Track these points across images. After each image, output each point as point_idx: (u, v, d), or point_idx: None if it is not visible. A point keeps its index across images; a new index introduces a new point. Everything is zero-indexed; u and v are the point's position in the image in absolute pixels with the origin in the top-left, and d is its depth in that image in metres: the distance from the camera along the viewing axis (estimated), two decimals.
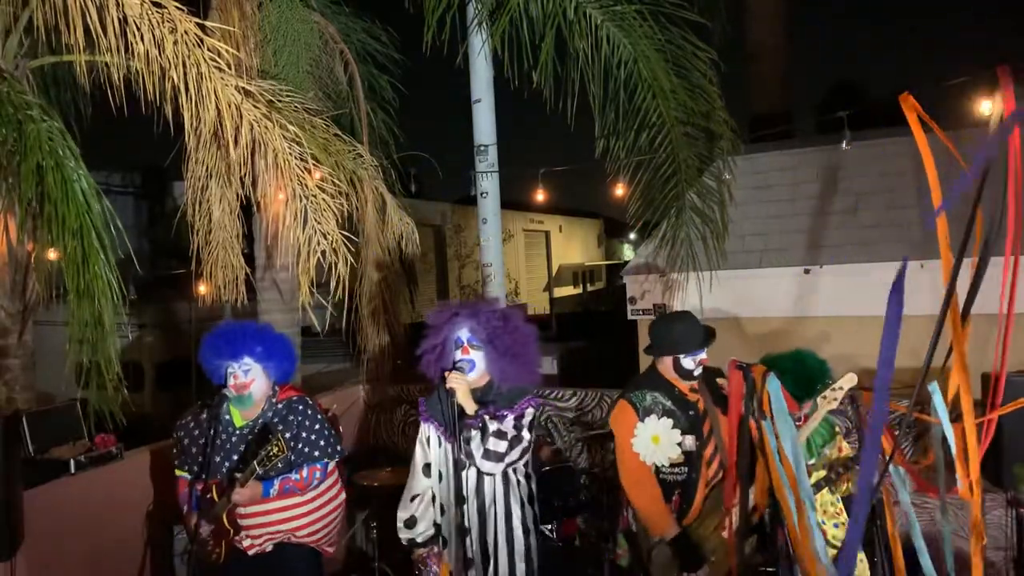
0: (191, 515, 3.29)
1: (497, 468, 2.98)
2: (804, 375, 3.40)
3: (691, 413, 3.19)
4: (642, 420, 3.14)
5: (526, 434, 3.02)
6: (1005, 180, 1.94)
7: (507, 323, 3.10)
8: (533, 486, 3.19)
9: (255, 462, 3.04)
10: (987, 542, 3.99)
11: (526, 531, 3.09)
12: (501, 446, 2.94)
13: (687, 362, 3.16)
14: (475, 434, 2.94)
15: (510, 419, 3.02)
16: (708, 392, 3.25)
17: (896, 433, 3.55)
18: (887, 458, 2.89)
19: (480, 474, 3.06)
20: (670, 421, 3.12)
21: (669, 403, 3.17)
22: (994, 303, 2.01)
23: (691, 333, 3.18)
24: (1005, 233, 1.90)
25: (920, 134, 2.15)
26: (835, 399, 3.08)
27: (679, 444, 3.11)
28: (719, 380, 3.28)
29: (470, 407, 3.00)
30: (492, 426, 2.95)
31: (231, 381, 3.25)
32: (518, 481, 3.13)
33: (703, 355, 3.19)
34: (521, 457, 3.02)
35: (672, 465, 3.14)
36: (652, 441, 3.11)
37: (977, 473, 2.13)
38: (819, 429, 3.53)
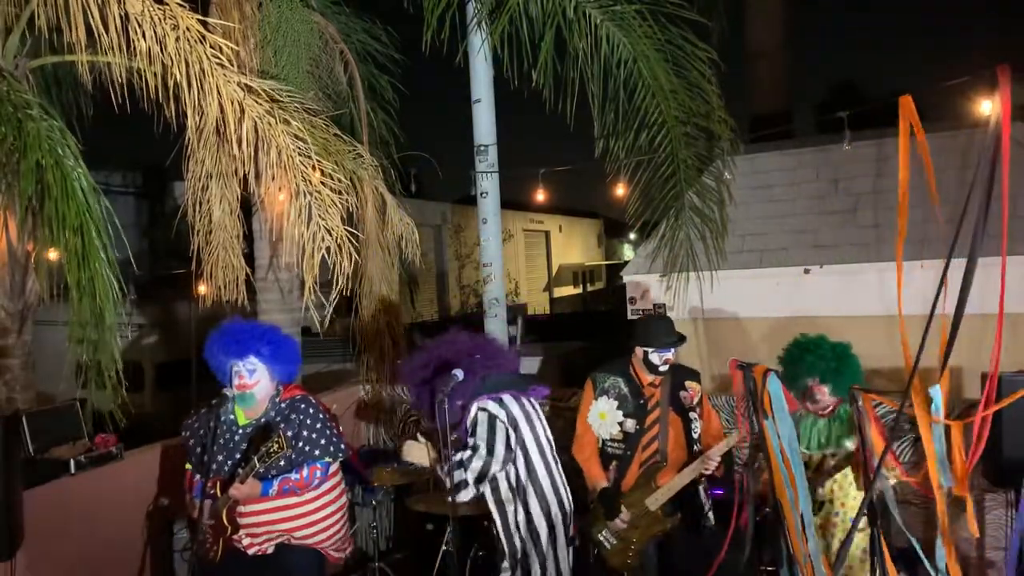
0: (195, 505, 3.29)
1: (471, 494, 3.14)
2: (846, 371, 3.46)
3: (640, 402, 3.73)
4: (597, 398, 3.77)
5: (479, 443, 3.13)
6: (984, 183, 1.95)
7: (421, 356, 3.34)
8: (499, 489, 3.25)
9: (256, 458, 3.05)
10: (987, 541, 4.01)
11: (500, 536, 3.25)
12: (460, 475, 3.09)
13: (654, 357, 3.68)
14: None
15: (468, 436, 3.19)
16: (668, 392, 3.73)
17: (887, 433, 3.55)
18: (880, 458, 2.89)
19: None
20: (616, 403, 3.72)
21: (626, 390, 3.75)
22: (994, 304, 2.02)
23: (664, 333, 3.70)
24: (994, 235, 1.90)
25: (905, 140, 2.16)
26: None
27: (620, 424, 3.71)
28: (688, 384, 3.77)
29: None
30: (448, 468, 3.05)
31: (236, 380, 3.25)
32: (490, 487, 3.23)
33: (670, 355, 3.69)
34: (486, 468, 3.12)
35: (613, 441, 3.74)
36: (600, 416, 3.75)
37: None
38: (825, 427, 3.51)
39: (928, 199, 2.56)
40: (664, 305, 7.14)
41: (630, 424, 3.70)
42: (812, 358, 3.47)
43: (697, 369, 3.96)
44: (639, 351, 3.73)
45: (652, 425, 3.71)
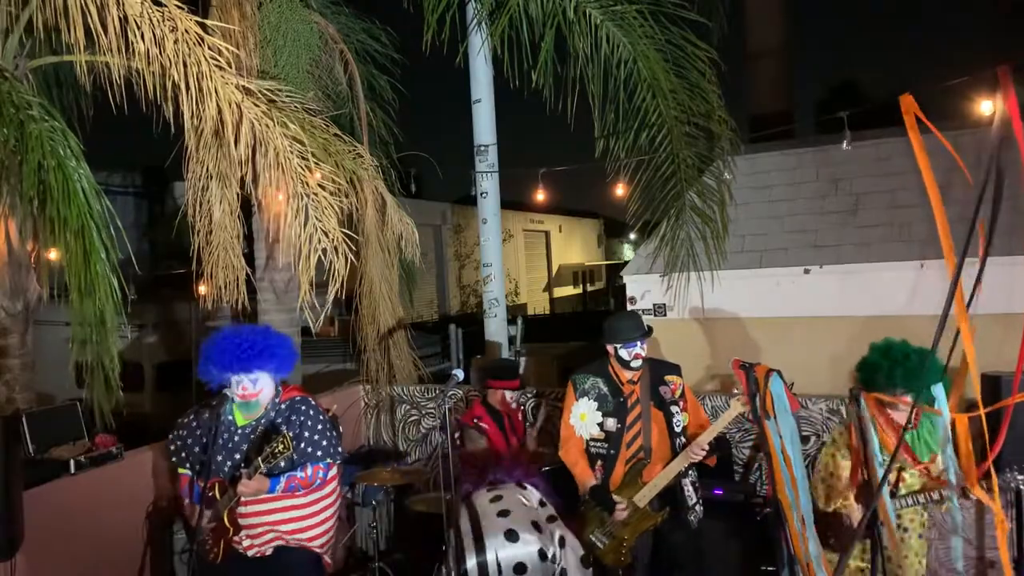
0: (192, 509, 3.28)
1: None
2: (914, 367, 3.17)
3: (620, 400, 3.78)
4: (577, 400, 3.82)
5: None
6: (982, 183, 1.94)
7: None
8: None
9: (260, 459, 3.05)
10: (987, 541, 4.01)
11: None
12: None
13: (623, 352, 3.74)
14: None
15: None
16: (648, 388, 3.78)
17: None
18: (892, 454, 2.89)
19: None
20: (595, 403, 3.77)
21: (605, 389, 3.80)
22: (996, 304, 2.01)
23: (629, 328, 3.76)
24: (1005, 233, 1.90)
25: (916, 136, 2.16)
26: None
27: (600, 424, 3.75)
28: (668, 378, 3.81)
29: None
30: None
31: (239, 391, 3.24)
32: None
33: (638, 349, 3.73)
34: None
35: (595, 440, 3.79)
36: (580, 418, 3.80)
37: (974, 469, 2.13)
38: (930, 429, 3.28)
39: (928, 198, 2.55)
40: (664, 305, 7.14)
41: (611, 423, 3.74)
42: (902, 371, 3.15)
43: (677, 363, 3.97)
44: (610, 349, 3.80)
45: (634, 422, 3.74)
